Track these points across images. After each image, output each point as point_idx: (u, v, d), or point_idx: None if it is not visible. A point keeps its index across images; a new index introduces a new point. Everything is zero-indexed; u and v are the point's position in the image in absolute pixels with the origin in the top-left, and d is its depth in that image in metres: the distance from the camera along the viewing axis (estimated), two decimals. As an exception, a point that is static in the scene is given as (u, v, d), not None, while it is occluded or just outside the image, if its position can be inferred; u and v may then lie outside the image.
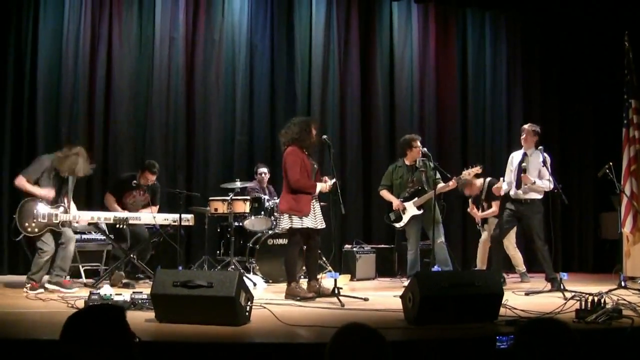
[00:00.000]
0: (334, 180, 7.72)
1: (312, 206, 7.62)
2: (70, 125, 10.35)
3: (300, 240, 7.71)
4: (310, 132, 7.71)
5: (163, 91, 10.82)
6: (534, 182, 8.52)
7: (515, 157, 8.89)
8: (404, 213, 9.20)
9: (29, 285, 7.75)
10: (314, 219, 7.63)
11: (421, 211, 9.06)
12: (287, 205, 7.66)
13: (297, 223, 7.57)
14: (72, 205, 8.26)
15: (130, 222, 8.59)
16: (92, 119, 10.46)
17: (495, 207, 9.57)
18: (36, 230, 7.86)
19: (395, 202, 9.26)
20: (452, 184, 8.91)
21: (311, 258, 7.94)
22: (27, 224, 7.83)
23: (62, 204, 8.10)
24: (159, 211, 9.21)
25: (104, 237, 9.19)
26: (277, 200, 9.52)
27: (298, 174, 7.56)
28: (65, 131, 10.28)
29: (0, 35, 10.20)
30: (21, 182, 7.95)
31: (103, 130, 10.52)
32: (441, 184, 8.93)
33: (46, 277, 7.95)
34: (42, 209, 7.89)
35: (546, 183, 8.57)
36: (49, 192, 7.92)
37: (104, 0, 10.63)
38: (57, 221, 7.98)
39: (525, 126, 8.93)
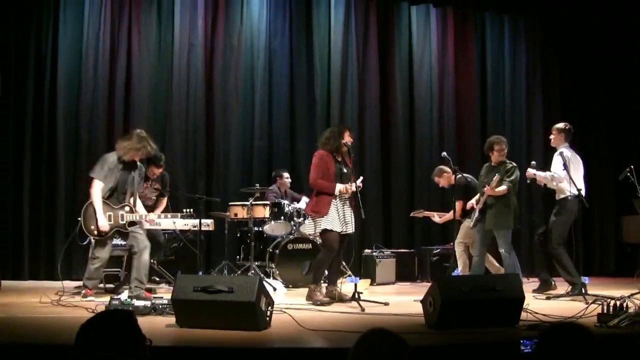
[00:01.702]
0: (354, 183, 7.69)
1: (335, 209, 7.62)
2: (90, 131, 10.42)
3: (335, 243, 7.64)
4: (339, 137, 7.77)
5: (182, 97, 10.86)
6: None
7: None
8: (474, 214, 9.12)
9: (84, 291, 7.60)
10: (336, 222, 7.61)
11: (479, 215, 8.82)
12: (310, 207, 7.87)
13: (318, 225, 7.67)
14: (139, 204, 8.03)
15: (147, 226, 8.63)
16: (112, 125, 10.51)
17: (458, 206, 9.26)
18: (102, 234, 7.62)
19: (469, 203, 9.21)
20: (487, 190, 8.75)
21: (333, 263, 7.92)
22: (92, 227, 7.57)
23: (127, 204, 7.80)
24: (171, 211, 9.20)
25: (124, 242, 9.22)
26: (297, 205, 9.59)
27: (316, 175, 7.68)
28: (85, 138, 10.36)
29: (20, 42, 10.30)
30: (95, 189, 7.60)
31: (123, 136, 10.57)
32: (500, 189, 8.71)
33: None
34: (107, 210, 7.64)
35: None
36: (103, 223, 7.57)
37: (123, 7, 10.70)
38: (124, 222, 7.70)
39: (560, 126, 8.95)
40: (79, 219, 7.66)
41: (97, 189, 7.58)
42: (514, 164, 8.85)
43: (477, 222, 8.86)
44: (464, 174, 9.42)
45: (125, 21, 10.69)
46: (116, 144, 7.94)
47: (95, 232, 7.59)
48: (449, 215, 9.59)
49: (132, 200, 7.82)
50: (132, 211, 7.79)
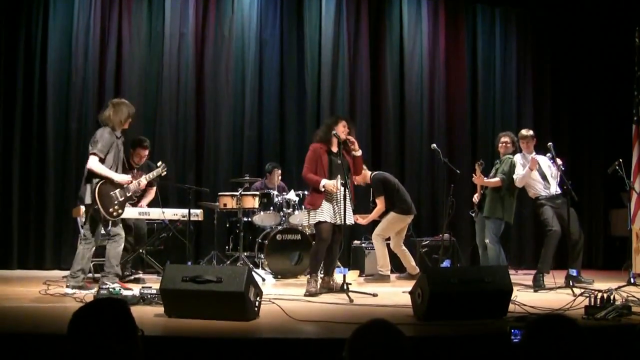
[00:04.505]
0: (339, 181, 7.69)
1: (328, 201, 7.64)
2: (80, 121, 10.40)
3: (325, 236, 7.63)
4: (331, 127, 7.76)
5: (173, 87, 10.84)
6: None
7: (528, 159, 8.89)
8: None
9: (117, 286, 6.82)
10: (332, 214, 7.63)
11: (476, 207, 9.34)
12: (306, 200, 7.91)
13: (312, 218, 7.67)
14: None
15: (139, 216, 8.61)
16: (102, 114, 10.49)
17: (380, 204, 9.49)
18: (120, 211, 7.34)
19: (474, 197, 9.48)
20: (474, 179, 9.04)
21: (328, 254, 7.91)
22: (111, 209, 7.25)
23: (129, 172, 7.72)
24: (168, 205, 9.19)
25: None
26: (287, 196, 9.58)
27: (307, 169, 7.69)
28: (75, 127, 10.33)
29: (10, 32, 10.27)
30: (97, 165, 7.23)
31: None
32: (491, 180, 9.02)
33: (72, 283, 7.20)
34: (111, 189, 7.36)
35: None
36: (124, 177, 7.39)
37: (114, -4, 10.68)
38: (129, 194, 7.55)
39: (529, 133, 9.06)
40: (96, 207, 7.23)
41: (97, 162, 7.27)
42: (511, 157, 8.94)
43: (476, 213, 9.09)
44: (384, 172, 9.79)
45: (115, 10, 10.66)
46: (102, 119, 7.59)
47: (115, 214, 7.32)
48: (372, 215, 9.67)
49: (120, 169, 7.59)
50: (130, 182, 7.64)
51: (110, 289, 6.22)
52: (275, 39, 11.47)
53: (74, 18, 10.43)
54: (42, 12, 10.38)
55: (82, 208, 8.45)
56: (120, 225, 7.58)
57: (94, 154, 7.27)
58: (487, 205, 8.95)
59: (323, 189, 7.56)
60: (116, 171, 7.43)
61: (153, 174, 8.03)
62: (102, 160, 7.29)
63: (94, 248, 7.48)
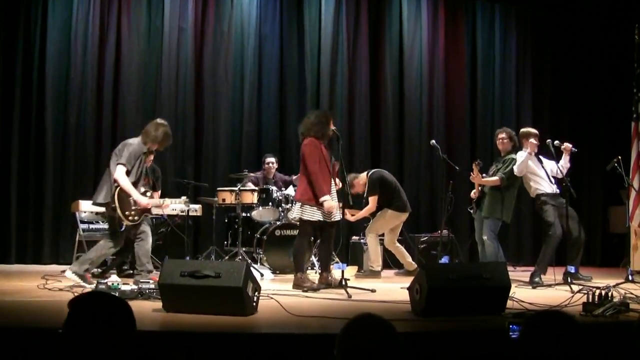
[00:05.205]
0: (335, 190, 7.69)
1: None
2: (79, 116, 10.39)
3: (310, 231, 7.68)
4: (327, 124, 7.72)
5: (172, 82, 10.82)
6: None
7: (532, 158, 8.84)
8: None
9: (150, 281, 6.86)
10: (328, 212, 7.60)
11: (474, 204, 9.17)
12: (304, 194, 7.62)
13: (308, 215, 7.57)
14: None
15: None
16: (101, 110, 10.48)
17: (372, 203, 9.42)
18: (136, 218, 7.44)
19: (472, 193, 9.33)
20: (471, 178, 8.96)
21: (323, 250, 7.92)
22: (127, 213, 7.37)
23: (147, 190, 7.84)
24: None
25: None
26: (286, 192, 9.56)
27: (317, 164, 7.53)
28: (73, 122, 10.32)
29: (9, 26, 10.25)
30: (123, 177, 7.31)
31: (111, 121, 10.53)
32: (490, 179, 8.88)
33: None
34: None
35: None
36: (143, 199, 7.46)
37: (113, -10, 10.66)
38: (150, 207, 7.71)
39: (535, 130, 9.01)
40: (114, 205, 7.29)
41: (124, 174, 7.36)
42: (514, 157, 8.85)
43: (474, 210, 9.06)
44: (382, 170, 9.72)
45: (114, 4, 10.64)
46: (143, 130, 7.78)
47: (130, 218, 7.40)
48: (361, 213, 9.59)
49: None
50: (152, 197, 7.85)
51: (109, 284, 6.22)
52: (274, 35, 11.46)
53: (73, 13, 10.41)
54: (41, 7, 10.36)
55: (81, 203, 8.45)
56: (145, 222, 7.74)
57: (122, 164, 7.37)
58: (487, 204, 8.86)
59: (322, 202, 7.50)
60: (136, 185, 7.52)
61: (177, 205, 8.63)
62: (128, 173, 7.39)
63: (116, 249, 7.61)
